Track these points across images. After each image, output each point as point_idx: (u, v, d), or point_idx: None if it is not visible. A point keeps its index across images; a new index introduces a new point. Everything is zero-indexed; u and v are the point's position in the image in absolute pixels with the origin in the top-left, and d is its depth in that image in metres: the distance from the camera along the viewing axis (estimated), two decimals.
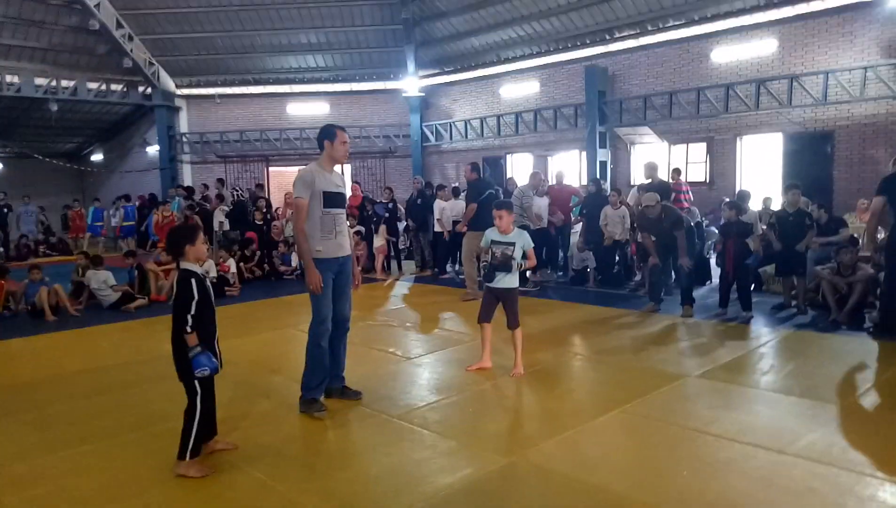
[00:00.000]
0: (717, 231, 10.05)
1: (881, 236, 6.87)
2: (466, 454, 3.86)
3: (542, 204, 9.93)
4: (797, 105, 11.78)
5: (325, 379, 4.62)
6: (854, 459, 3.59)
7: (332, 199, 4.58)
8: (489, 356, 5.45)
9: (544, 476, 3.50)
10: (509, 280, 5.28)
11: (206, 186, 15.87)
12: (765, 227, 8.81)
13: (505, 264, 5.22)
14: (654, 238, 7.66)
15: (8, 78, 16.86)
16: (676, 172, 11.10)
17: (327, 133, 4.65)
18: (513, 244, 5.23)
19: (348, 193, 4.79)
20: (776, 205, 10.58)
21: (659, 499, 3.19)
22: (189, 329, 3.50)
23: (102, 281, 8.93)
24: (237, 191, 14.69)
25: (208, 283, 3.73)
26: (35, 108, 18.91)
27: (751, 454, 3.70)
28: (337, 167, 4.89)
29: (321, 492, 3.38)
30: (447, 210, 10.89)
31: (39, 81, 17.36)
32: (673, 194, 9.94)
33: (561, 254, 10.81)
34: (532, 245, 5.35)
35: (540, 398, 4.84)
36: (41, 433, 4.34)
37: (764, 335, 6.51)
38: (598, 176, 13.77)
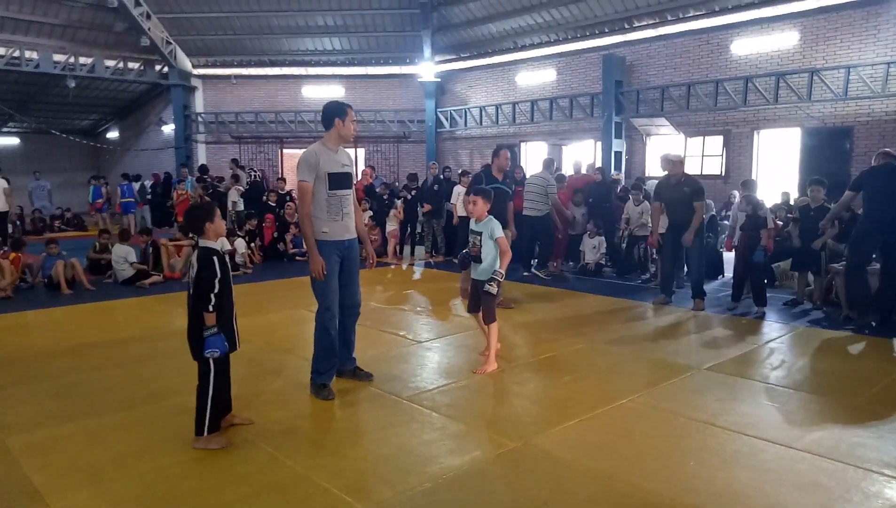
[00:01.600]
0: (729, 225, 10.04)
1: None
2: (475, 437, 3.90)
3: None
4: (817, 100, 11.65)
5: (334, 365, 4.62)
6: (861, 456, 3.59)
7: (338, 180, 4.45)
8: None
9: (552, 462, 3.53)
10: (482, 271, 5.07)
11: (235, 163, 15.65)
12: (780, 222, 8.78)
13: (478, 255, 5.04)
14: (663, 208, 7.52)
15: (27, 54, 16.95)
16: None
17: (338, 111, 4.47)
18: (480, 234, 5.03)
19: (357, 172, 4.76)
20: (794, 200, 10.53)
21: (665, 488, 3.21)
22: (211, 308, 3.51)
23: (123, 256, 9.05)
24: (254, 172, 14.73)
25: (227, 260, 3.76)
26: (53, 84, 19.04)
27: (758, 447, 3.71)
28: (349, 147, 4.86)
29: (331, 469, 3.43)
30: (462, 196, 10.87)
31: (58, 57, 17.44)
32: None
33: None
34: (500, 234, 4.97)
35: (549, 385, 4.86)
36: (58, 402, 4.42)
37: (775, 330, 6.49)
38: (609, 166, 13.78)
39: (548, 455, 3.61)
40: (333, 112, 4.49)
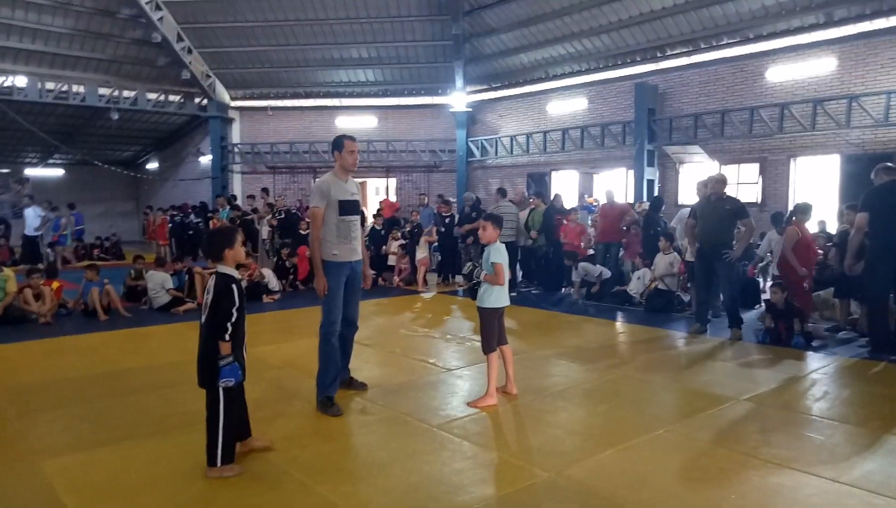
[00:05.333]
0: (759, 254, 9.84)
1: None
2: (507, 467, 3.82)
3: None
4: (856, 126, 11.42)
5: (337, 376, 4.86)
6: None
7: (348, 206, 4.83)
8: (508, 380, 5.15)
9: (587, 493, 3.43)
10: (479, 297, 4.96)
11: (252, 197, 16.03)
12: (819, 251, 8.56)
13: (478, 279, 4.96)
14: (697, 229, 7.47)
15: (74, 88, 17.64)
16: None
17: (336, 144, 4.90)
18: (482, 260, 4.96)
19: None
20: (831, 228, 10.29)
21: None
22: (227, 337, 3.46)
23: (160, 283, 9.22)
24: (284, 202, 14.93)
25: (243, 289, 3.69)
26: (97, 116, 19.73)
27: (802, 480, 3.56)
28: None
29: (361, 497, 3.39)
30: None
31: (103, 90, 18.11)
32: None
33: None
34: (497, 260, 4.83)
35: (583, 415, 4.76)
36: (93, 426, 4.47)
37: (817, 360, 6.27)
38: (641, 195, 13.68)
39: (583, 485, 3.51)
40: (333, 146, 4.93)
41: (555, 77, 16.77)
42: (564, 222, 10.89)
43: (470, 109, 18.63)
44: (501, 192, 11.25)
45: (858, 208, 6.59)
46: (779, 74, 12.67)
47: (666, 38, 14.11)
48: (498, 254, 4.89)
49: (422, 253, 11.72)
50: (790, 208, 12.04)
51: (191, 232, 16.79)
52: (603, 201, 11.44)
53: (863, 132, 11.50)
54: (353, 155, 4.86)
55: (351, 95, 19.61)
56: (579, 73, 16.23)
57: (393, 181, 19.88)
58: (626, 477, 3.61)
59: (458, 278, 11.61)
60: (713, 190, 7.34)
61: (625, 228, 10.65)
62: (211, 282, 3.63)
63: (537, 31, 16.02)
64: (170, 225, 17.14)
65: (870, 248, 6.43)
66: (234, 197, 16.40)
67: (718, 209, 7.24)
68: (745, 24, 12.81)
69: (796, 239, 7.44)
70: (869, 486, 3.47)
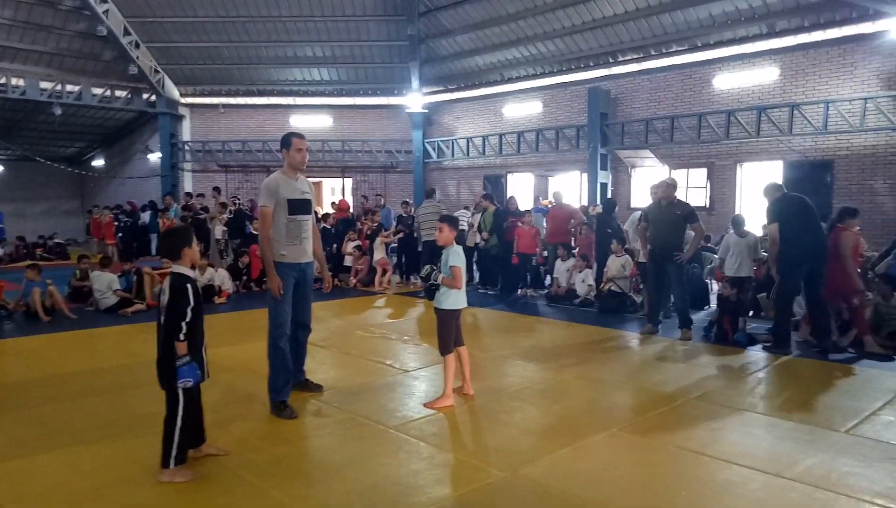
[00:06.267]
0: (716, 256, 10.12)
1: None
2: (463, 467, 3.84)
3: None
4: (797, 133, 11.87)
5: (289, 380, 4.76)
6: (853, 485, 3.57)
7: (297, 206, 4.71)
8: (464, 381, 5.19)
9: (541, 491, 3.48)
10: (437, 299, 4.95)
11: (202, 196, 15.65)
12: (765, 253, 8.86)
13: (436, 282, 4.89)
14: (649, 232, 7.63)
15: (14, 81, 16.88)
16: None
17: (284, 142, 4.82)
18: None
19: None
20: None
21: None
22: (182, 337, 3.42)
23: (106, 284, 8.91)
24: (237, 200, 14.67)
25: (199, 288, 3.66)
26: (39, 111, 18.95)
27: (748, 476, 3.68)
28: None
29: (316, 500, 3.35)
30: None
31: (45, 84, 17.37)
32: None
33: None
34: (455, 263, 4.80)
35: (537, 415, 4.82)
36: (36, 431, 4.31)
37: (763, 359, 6.50)
38: (595, 197, 13.92)
39: (538, 484, 3.56)
40: (282, 144, 4.86)
41: (510, 80, 16.91)
42: (519, 224, 11.00)
43: (426, 111, 18.62)
44: (428, 193, 11.45)
45: (769, 221, 6.93)
46: (725, 82, 13.09)
47: (618, 44, 14.40)
48: (457, 257, 4.88)
49: (379, 254, 11.67)
50: (737, 211, 12.49)
51: (119, 234, 16.23)
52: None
53: (804, 139, 11.97)
54: (301, 153, 4.77)
55: (305, 94, 19.35)
56: (534, 76, 16.42)
57: (349, 182, 19.74)
58: (580, 476, 3.68)
59: (417, 280, 11.56)
60: (664, 194, 7.54)
61: (573, 229, 10.85)
62: (166, 283, 3.58)
63: (492, 34, 16.12)
64: (116, 223, 16.62)
65: (781, 255, 6.76)
66: (190, 195, 15.98)
67: (669, 213, 7.44)
68: (693, 32, 13.18)
69: (855, 244, 7.00)
70: (810, 480, 3.62)
